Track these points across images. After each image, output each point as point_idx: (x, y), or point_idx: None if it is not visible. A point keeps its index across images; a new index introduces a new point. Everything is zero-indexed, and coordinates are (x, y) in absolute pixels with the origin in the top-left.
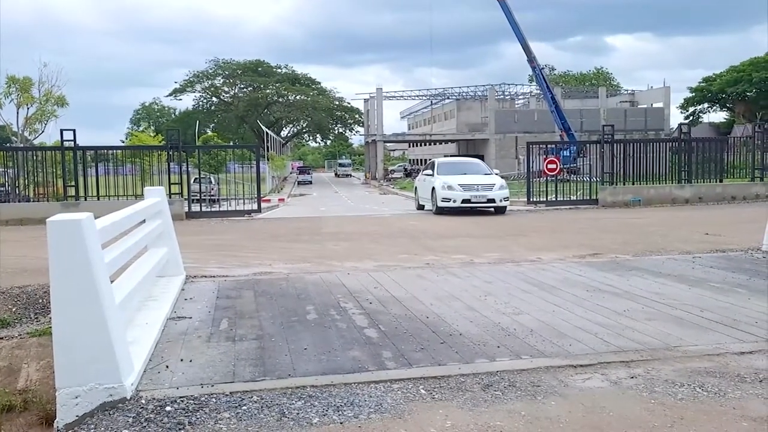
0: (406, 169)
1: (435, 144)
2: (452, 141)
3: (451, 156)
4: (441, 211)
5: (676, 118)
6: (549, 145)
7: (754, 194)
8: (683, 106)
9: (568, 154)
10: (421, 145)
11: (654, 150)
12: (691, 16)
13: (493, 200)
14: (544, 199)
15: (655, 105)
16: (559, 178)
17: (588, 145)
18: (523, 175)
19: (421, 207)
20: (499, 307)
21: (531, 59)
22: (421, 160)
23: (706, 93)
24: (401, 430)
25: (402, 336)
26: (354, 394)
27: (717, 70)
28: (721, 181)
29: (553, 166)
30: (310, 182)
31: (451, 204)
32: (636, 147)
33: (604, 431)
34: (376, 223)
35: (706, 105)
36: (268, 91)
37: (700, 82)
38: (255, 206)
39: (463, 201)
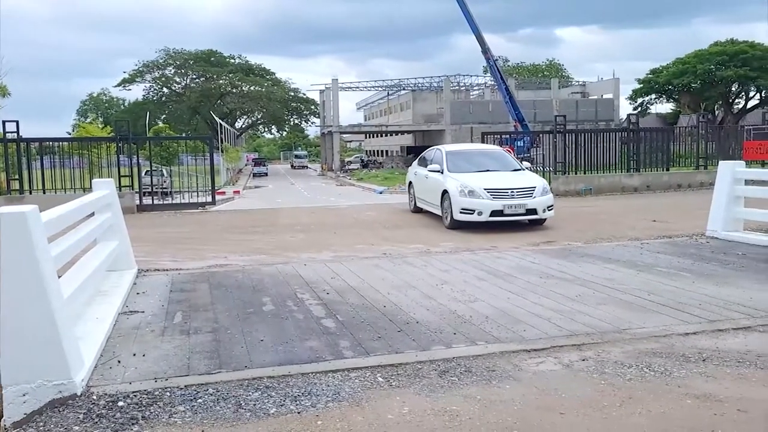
0: (362, 161)
1: (391, 135)
2: (408, 132)
3: (459, 146)
4: (457, 225)
5: (626, 109)
6: (504, 136)
7: (699, 182)
8: (632, 97)
9: (522, 145)
10: (377, 136)
11: (604, 140)
12: (636, 10)
13: (533, 211)
14: None
15: (605, 96)
16: None
17: (541, 135)
18: None
19: (418, 209)
20: (456, 294)
21: (485, 51)
22: (377, 151)
23: (654, 84)
24: (359, 417)
25: (359, 325)
26: (311, 384)
27: (663, 62)
28: (667, 169)
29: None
30: (266, 174)
31: (474, 217)
32: (587, 137)
33: (557, 412)
34: (333, 214)
35: (653, 96)
36: (221, 81)
37: (647, 74)
38: (209, 199)
39: (494, 213)
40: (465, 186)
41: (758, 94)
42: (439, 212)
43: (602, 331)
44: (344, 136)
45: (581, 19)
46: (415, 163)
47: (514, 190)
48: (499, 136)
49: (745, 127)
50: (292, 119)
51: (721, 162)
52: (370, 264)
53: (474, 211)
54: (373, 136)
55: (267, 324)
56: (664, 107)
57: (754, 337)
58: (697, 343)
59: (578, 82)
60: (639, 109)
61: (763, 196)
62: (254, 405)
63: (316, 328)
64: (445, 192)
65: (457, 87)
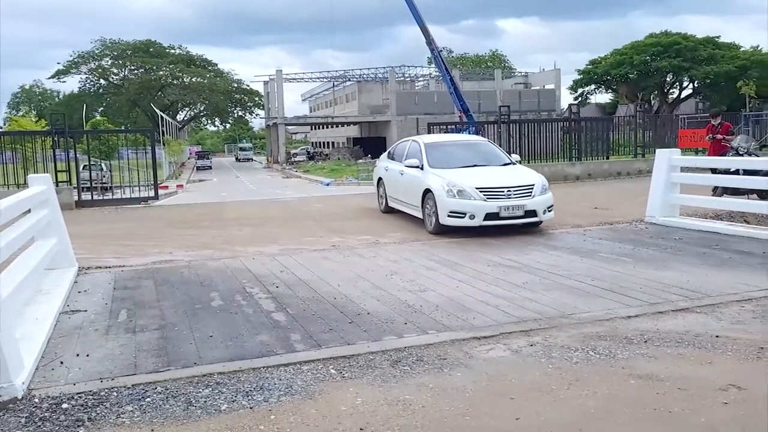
0: (309, 152)
1: (337, 126)
2: (355, 123)
3: (439, 137)
4: (444, 230)
5: (567, 99)
6: (449, 126)
7: (637, 170)
8: (572, 88)
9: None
10: (323, 128)
11: (547, 130)
12: (574, 2)
13: (533, 212)
14: None
15: (547, 87)
16: None
17: (486, 125)
18: None
19: (390, 210)
20: (405, 285)
21: (429, 42)
22: (324, 142)
23: (593, 75)
24: (312, 410)
25: (310, 318)
26: (263, 379)
27: (602, 54)
28: (607, 158)
29: None
30: (210, 167)
31: (466, 221)
32: (530, 127)
33: (507, 397)
34: (281, 207)
35: (593, 86)
36: (161, 73)
37: (587, 65)
38: (152, 193)
39: (488, 217)
40: (452, 185)
41: (691, 85)
42: (418, 214)
43: (549, 316)
44: (290, 128)
45: (521, 10)
46: (384, 156)
47: (511, 189)
48: (445, 127)
49: (680, 116)
50: (235, 111)
51: (657, 150)
52: (319, 256)
53: (465, 214)
54: (319, 128)
55: (216, 319)
56: (604, 97)
57: (691, 318)
58: (639, 326)
59: (521, 73)
60: (579, 99)
61: (697, 183)
62: (205, 402)
63: (266, 322)
64: (427, 192)
65: (402, 78)
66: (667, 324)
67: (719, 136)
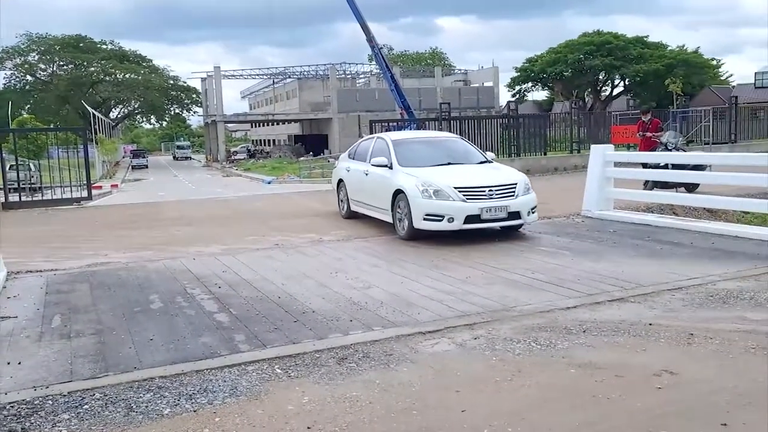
0: (249, 150)
1: (278, 124)
2: (296, 120)
3: (408, 134)
4: (418, 235)
5: (505, 97)
6: (391, 123)
7: (573, 165)
8: (510, 85)
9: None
10: (264, 126)
11: (487, 126)
12: (510, 1)
13: (516, 214)
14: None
15: (485, 84)
16: None
17: (427, 122)
18: None
19: (353, 215)
20: (350, 282)
21: (370, 39)
22: (264, 140)
23: (530, 73)
24: (258, 411)
25: (254, 318)
26: (207, 381)
27: (538, 52)
28: (545, 154)
29: None
30: (146, 166)
31: (444, 225)
32: (471, 124)
33: (453, 390)
34: (221, 206)
35: (530, 84)
36: (92, 68)
37: (524, 63)
38: (84, 193)
39: (469, 219)
40: (428, 184)
41: (622, 82)
42: (386, 218)
43: (492, 309)
44: (229, 125)
45: (459, 9)
46: (345, 156)
47: (492, 189)
48: (386, 124)
49: (612, 113)
50: (172, 108)
51: (592, 146)
52: (262, 255)
53: (443, 217)
54: (259, 126)
55: (156, 322)
56: (540, 94)
57: (626, 307)
58: (577, 316)
59: (460, 70)
60: (517, 96)
61: (629, 177)
62: (146, 407)
63: (209, 323)
64: (399, 193)
65: (343, 75)
66: (604, 314)
67: (649, 134)
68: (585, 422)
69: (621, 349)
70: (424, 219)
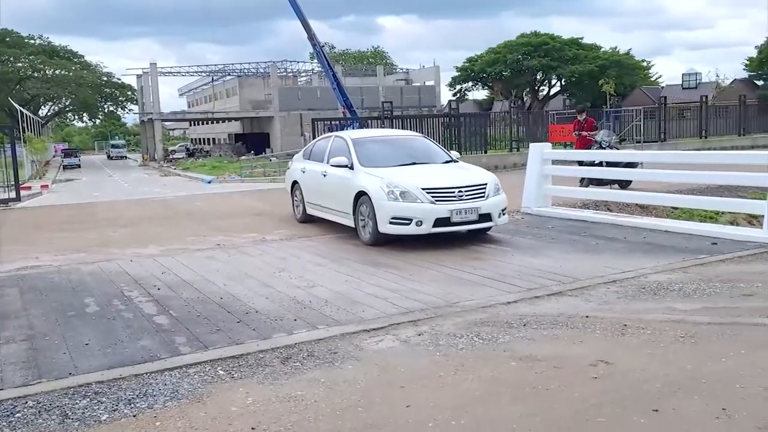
0: (188, 149)
1: (218, 122)
2: (236, 119)
3: (368, 132)
4: (384, 240)
5: (446, 96)
6: (333, 122)
7: (513, 163)
8: (451, 84)
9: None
10: (203, 124)
11: (428, 125)
12: (449, 1)
13: (487, 216)
14: None
15: (427, 83)
16: None
17: (369, 121)
18: None
19: (309, 218)
20: (294, 281)
21: (311, 37)
22: (203, 139)
23: (470, 72)
24: (201, 413)
25: (195, 320)
26: (147, 385)
27: (478, 52)
28: (485, 152)
29: None
30: (79, 166)
31: (412, 229)
32: (413, 122)
33: (398, 386)
34: (159, 206)
35: (470, 83)
36: (19, 64)
37: (464, 63)
38: (12, 194)
39: (438, 222)
40: (394, 185)
41: (559, 82)
42: (348, 222)
43: (435, 306)
44: (167, 123)
45: (400, 8)
46: (299, 156)
47: (462, 190)
48: (329, 123)
49: (550, 112)
50: (106, 106)
51: (531, 144)
52: (203, 256)
53: (411, 220)
54: (198, 124)
55: (92, 326)
56: (480, 94)
57: (564, 301)
58: (518, 311)
59: (402, 69)
60: (458, 95)
61: (567, 174)
62: (83, 413)
63: (147, 326)
64: (361, 195)
65: (284, 73)
66: (543, 307)
67: (585, 133)
68: (526, 413)
69: (559, 342)
70: (390, 223)
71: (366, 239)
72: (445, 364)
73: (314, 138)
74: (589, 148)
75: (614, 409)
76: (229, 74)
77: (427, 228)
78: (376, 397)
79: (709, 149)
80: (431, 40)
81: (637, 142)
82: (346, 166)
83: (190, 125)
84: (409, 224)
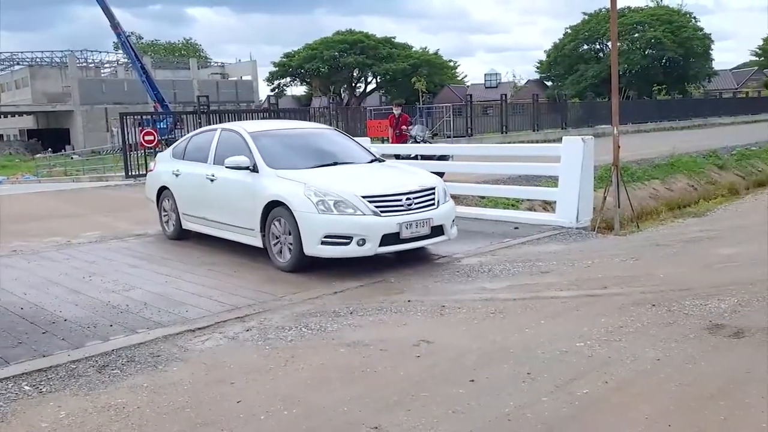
0: None
1: (6, 117)
2: (28, 113)
3: (266, 124)
4: (309, 264)
5: (264, 91)
6: (144, 117)
7: None
8: (269, 80)
9: (164, 126)
10: None
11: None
12: None
13: (440, 229)
14: (145, 173)
15: (244, 78)
16: (157, 150)
17: (185, 116)
18: (118, 148)
19: (184, 234)
20: (108, 285)
21: (115, 25)
22: None
23: (288, 68)
24: None
25: None
26: None
27: (294, 47)
28: None
29: (151, 137)
30: None
31: (353, 248)
32: (231, 117)
33: (228, 383)
34: None
35: (288, 79)
36: None
37: (281, 58)
38: None
39: (385, 240)
40: (323, 192)
41: (375, 80)
42: (252, 241)
43: (263, 300)
44: None
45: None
46: (167, 155)
47: (411, 197)
48: (139, 117)
49: (367, 108)
50: None
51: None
52: None
53: (351, 238)
54: None
55: None
56: (299, 89)
57: (389, 287)
58: (343, 300)
59: (217, 63)
60: (276, 90)
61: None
62: None
63: None
64: (274, 206)
65: (85, 64)
66: (372, 296)
67: (403, 127)
68: (357, 395)
69: (384, 326)
70: (323, 243)
71: (283, 264)
72: (275, 356)
73: (123, 133)
74: (405, 143)
75: (436, 384)
76: (18, 63)
77: (372, 248)
78: (205, 396)
79: (509, 143)
80: (245, 34)
81: (447, 137)
82: (246, 168)
83: None
84: (348, 244)
